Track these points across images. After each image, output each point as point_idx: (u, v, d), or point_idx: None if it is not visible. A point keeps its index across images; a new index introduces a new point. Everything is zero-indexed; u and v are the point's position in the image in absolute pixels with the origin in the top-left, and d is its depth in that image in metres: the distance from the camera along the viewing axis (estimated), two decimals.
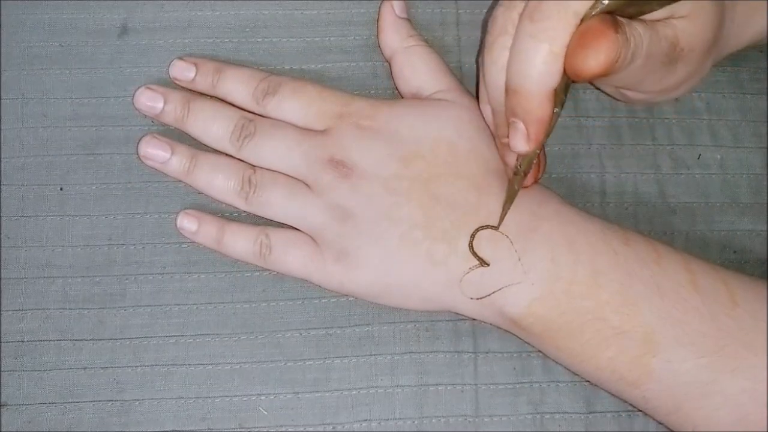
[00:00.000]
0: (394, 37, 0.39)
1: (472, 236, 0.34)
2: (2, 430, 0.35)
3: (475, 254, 0.34)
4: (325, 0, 0.41)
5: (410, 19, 0.39)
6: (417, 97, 0.38)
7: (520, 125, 0.31)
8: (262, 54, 0.40)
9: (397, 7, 0.39)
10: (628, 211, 0.39)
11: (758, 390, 0.31)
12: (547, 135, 0.32)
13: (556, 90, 0.30)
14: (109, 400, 0.36)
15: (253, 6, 0.41)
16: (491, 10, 0.33)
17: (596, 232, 0.34)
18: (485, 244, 0.34)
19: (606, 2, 0.29)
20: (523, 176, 0.33)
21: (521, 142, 0.32)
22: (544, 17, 0.29)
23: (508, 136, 0.32)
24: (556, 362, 0.36)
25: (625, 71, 0.30)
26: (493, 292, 0.34)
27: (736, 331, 0.32)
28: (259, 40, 0.41)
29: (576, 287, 0.33)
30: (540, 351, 0.36)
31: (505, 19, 0.31)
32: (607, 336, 0.33)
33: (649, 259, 0.33)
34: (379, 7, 0.40)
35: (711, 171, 0.40)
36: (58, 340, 0.36)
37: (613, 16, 0.29)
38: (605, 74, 0.29)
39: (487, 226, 0.34)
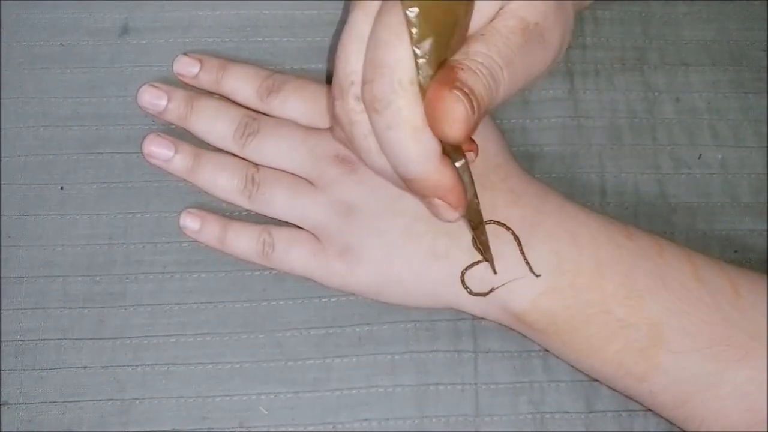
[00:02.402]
0: None
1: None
2: (2, 429, 0.35)
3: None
4: (325, 0, 0.41)
5: None
6: None
7: (436, 201, 0.30)
8: (262, 54, 0.40)
9: None
10: (629, 210, 0.39)
11: (764, 379, 0.31)
12: (472, 184, 0.30)
13: (444, 151, 0.29)
14: (110, 399, 0.35)
15: (254, 6, 0.41)
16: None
17: (598, 227, 0.34)
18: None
19: (418, 49, 0.26)
20: (481, 224, 0.32)
21: (449, 214, 0.30)
22: (385, 104, 0.27)
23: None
24: (561, 359, 0.36)
25: (504, 94, 0.29)
26: (498, 287, 0.34)
27: (740, 321, 0.32)
28: (259, 39, 0.41)
29: (580, 280, 0.33)
30: (542, 349, 0.36)
31: (347, 112, 0.29)
32: (613, 329, 0.33)
33: (652, 252, 0.34)
34: None
35: (712, 171, 0.40)
36: (58, 339, 0.36)
37: (448, 68, 0.27)
38: (472, 128, 0.27)
39: (490, 221, 0.34)
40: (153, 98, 0.38)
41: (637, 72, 0.41)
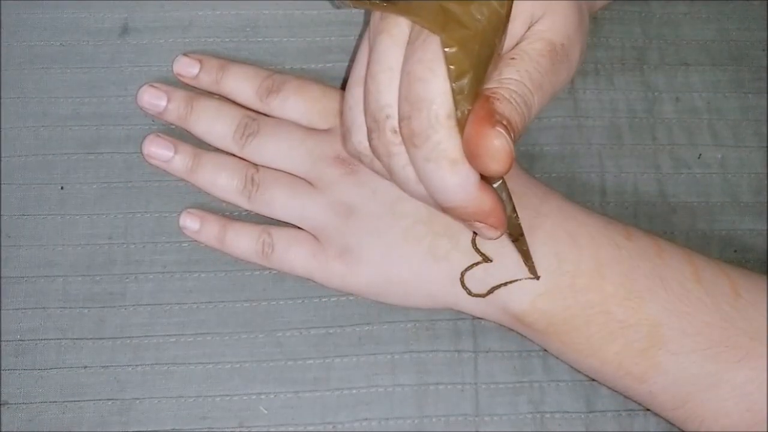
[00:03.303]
0: None
1: (475, 232, 0.34)
2: (2, 429, 0.35)
3: (477, 250, 0.34)
4: (325, 0, 0.41)
5: None
6: None
7: (477, 224, 0.30)
8: (262, 54, 0.40)
9: None
10: (629, 210, 0.39)
11: (764, 379, 0.31)
12: (511, 200, 0.31)
13: (482, 177, 0.29)
14: (110, 399, 0.35)
15: (254, 6, 0.41)
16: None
17: (598, 228, 0.34)
18: (488, 241, 0.34)
19: (457, 86, 0.26)
20: (522, 236, 0.32)
21: (490, 233, 0.30)
22: (423, 139, 0.27)
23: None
24: (561, 359, 0.36)
25: (533, 118, 0.29)
26: (497, 287, 0.34)
27: (740, 322, 0.32)
28: (259, 39, 0.41)
29: (580, 281, 0.33)
30: (542, 349, 0.36)
31: (385, 144, 0.29)
32: (613, 330, 0.33)
33: (652, 253, 0.34)
34: None
35: (711, 170, 0.40)
36: (58, 339, 0.36)
37: (484, 100, 0.27)
38: (512, 158, 0.27)
39: None
40: (153, 98, 0.38)
41: (637, 72, 0.41)
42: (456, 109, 0.27)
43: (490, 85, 0.28)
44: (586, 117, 0.40)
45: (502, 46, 0.29)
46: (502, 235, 0.31)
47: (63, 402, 0.35)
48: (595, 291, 0.33)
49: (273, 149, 0.37)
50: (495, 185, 0.30)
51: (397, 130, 0.29)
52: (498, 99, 0.27)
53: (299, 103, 0.37)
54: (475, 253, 0.34)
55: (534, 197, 0.35)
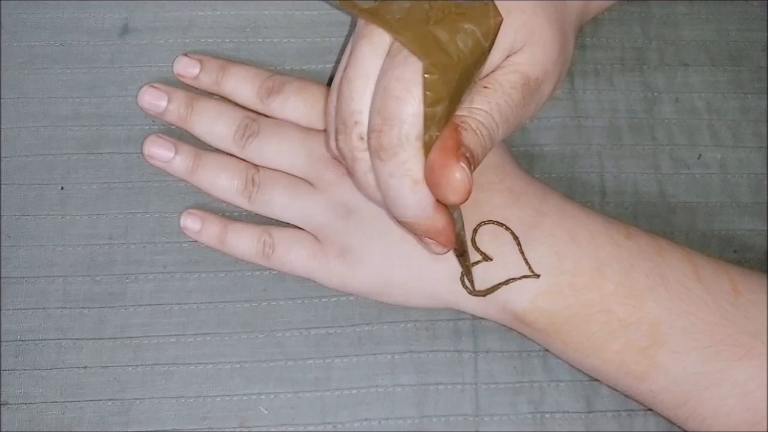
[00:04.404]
0: None
1: (474, 231, 0.34)
2: (2, 429, 0.35)
3: (477, 249, 0.34)
4: (325, 0, 0.41)
5: None
6: None
7: (427, 240, 0.30)
8: (262, 54, 0.40)
9: None
10: (629, 210, 0.39)
11: (765, 377, 0.31)
12: (461, 217, 0.31)
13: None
14: (110, 399, 0.35)
15: (254, 6, 0.41)
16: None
17: (598, 226, 0.34)
18: (488, 240, 0.34)
19: (430, 111, 0.27)
20: (465, 252, 0.33)
21: (438, 250, 0.31)
22: (390, 155, 0.28)
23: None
24: (561, 359, 0.36)
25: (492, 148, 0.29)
26: (497, 285, 0.34)
27: (740, 320, 0.32)
28: (259, 40, 0.41)
29: (580, 279, 0.33)
30: (542, 349, 0.36)
31: (350, 149, 0.29)
32: (614, 328, 0.33)
33: (652, 252, 0.34)
34: None
35: (711, 171, 0.40)
36: (58, 339, 0.36)
37: (452, 128, 0.27)
38: (470, 191, 0.27)
39: (490, 221, 0.34)
40: (153, 99, 0.38)
41: (636, 72, 0.41)
42: (425, 133, 0.27)
43: (460, 111, 0.28)
44: (586, 117, 0.40)
45: (479, 75, 0.29)
46: (448, 251, 0.31)
47: (63, 402, 0.35)
48: (595, 290, 0.33)
49: (273, 150, 0.37)
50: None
51: (364, 137, 0.29)
52: (465, 129, 0.28)
53: (299, 104, 0.37)
54: (475, 252, 0.34)
55: (534, 196, 0.35)
